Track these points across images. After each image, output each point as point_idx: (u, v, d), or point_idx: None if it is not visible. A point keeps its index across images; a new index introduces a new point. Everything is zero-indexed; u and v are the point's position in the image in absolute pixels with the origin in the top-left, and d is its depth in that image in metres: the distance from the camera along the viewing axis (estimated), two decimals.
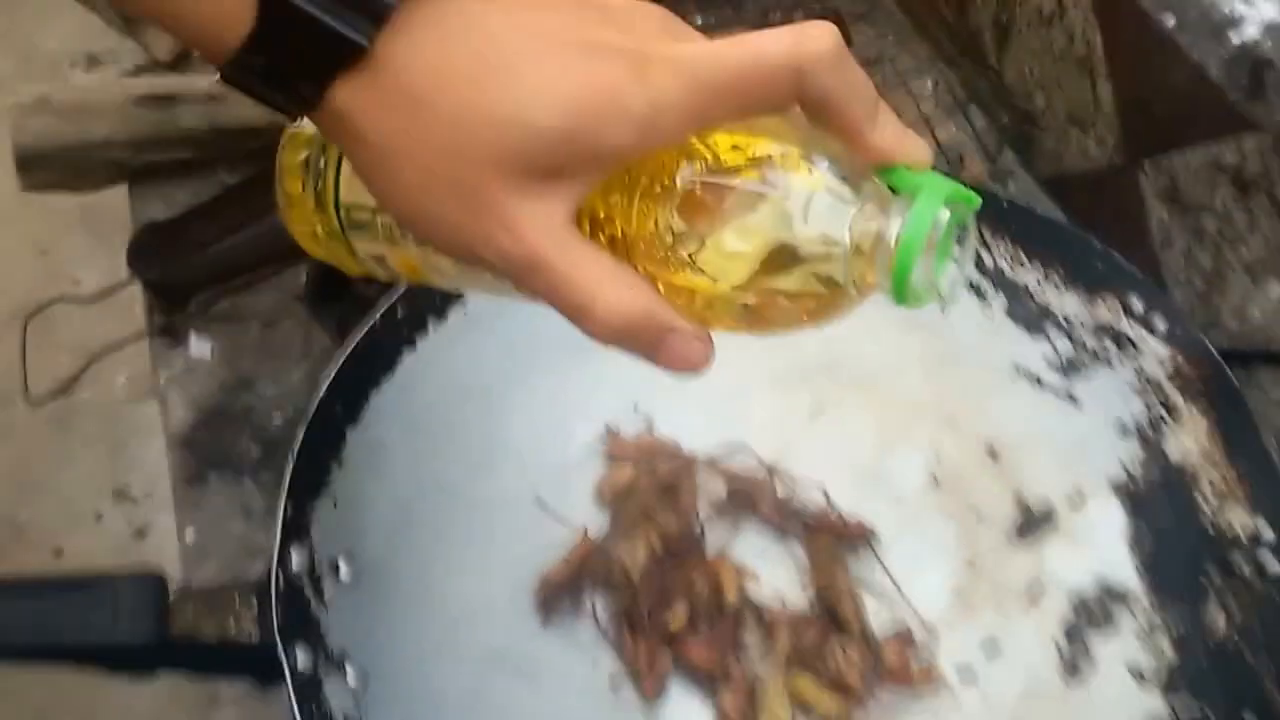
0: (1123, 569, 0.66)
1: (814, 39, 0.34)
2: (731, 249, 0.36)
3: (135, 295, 0.79)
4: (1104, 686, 0.63)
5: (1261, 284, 0.80)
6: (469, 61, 0.34)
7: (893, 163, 0.36)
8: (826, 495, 0.68)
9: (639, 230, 0.36)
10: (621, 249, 0.37)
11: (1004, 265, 0.72)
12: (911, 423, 0.72)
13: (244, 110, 0.79)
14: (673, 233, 0.36)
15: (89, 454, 1.37)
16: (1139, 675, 0.63)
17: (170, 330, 0.76)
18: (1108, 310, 0.70)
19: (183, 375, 0.76)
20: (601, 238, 0.37)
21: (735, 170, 0.35)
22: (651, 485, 0.66)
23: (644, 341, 0.36)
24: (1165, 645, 0.64)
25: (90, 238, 1.50)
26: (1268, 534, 0.62)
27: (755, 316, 0.37)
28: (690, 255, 0.36)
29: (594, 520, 0.66)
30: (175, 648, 0.50)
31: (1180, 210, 0.86)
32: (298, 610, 0.52)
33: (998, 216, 0.72)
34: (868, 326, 0.70)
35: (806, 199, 0.35)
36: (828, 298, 0.36)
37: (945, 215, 0.34)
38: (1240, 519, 0.63)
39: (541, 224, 0.35)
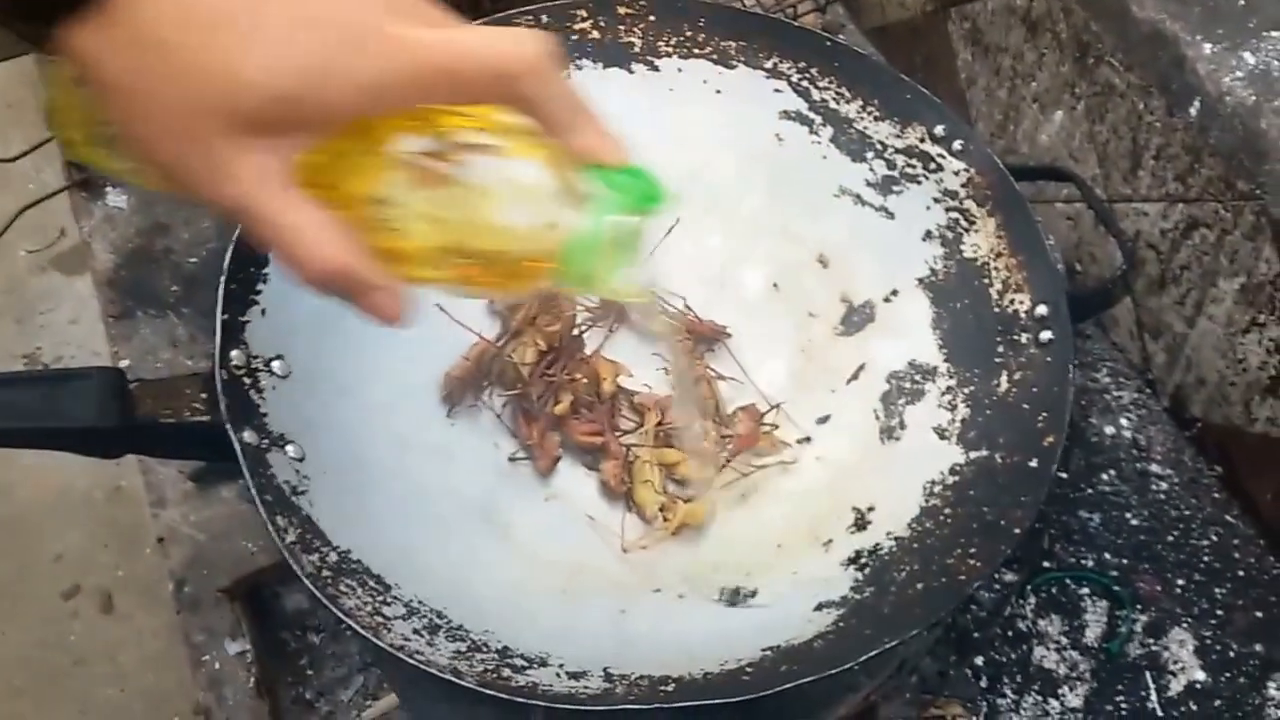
0: (928, 349, 0.74)
1: (522, 50, 0.38)
2: (430, 218, 0.40)
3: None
4: (913, 444, 0.72)
5: (1048, 113, 0.91)
6: (208, 13, 0.35)
7: (592, 162, 0.41)
8: (686, 302, 0.78)
9: (354, 189, 0.39)
10: (337, 204, 0.39)
11: (830, 100, 0.80)
12: (754, 238, 0.81)
13: None
14: (381, 195, 0.40)
15: None
16: (941, 433, 0.72)
17: (88, 184, 0.83)
18: (915, 136, 0.78)
19: (103, 224, 0.82)
20: (319, 192, 0.39)
21: (448, 148, 0.39)
22: (535, 297, 0.74)
23: (343, 292, 0.39)
24: (960, 406, 0.72)
25: None
26: (1041, 310, 0.71)
27: (449, 279, 0.41)
28: (392, 217, 0.40)
29: (488, 328, 0.74)
30: (138, 430, 0.56)
31: (981, 52, 0.96)
32: (241, 399, 0.59)
33: (825, 57, 0.79)
34: (715, 159, 0.80)
35: (504, 186, 0.40)
36: (513, 272, 0.41)
37: (616, 222, 0.40)
38: (1021, 300, 0.72)
39: (257, 174, 0.37)
